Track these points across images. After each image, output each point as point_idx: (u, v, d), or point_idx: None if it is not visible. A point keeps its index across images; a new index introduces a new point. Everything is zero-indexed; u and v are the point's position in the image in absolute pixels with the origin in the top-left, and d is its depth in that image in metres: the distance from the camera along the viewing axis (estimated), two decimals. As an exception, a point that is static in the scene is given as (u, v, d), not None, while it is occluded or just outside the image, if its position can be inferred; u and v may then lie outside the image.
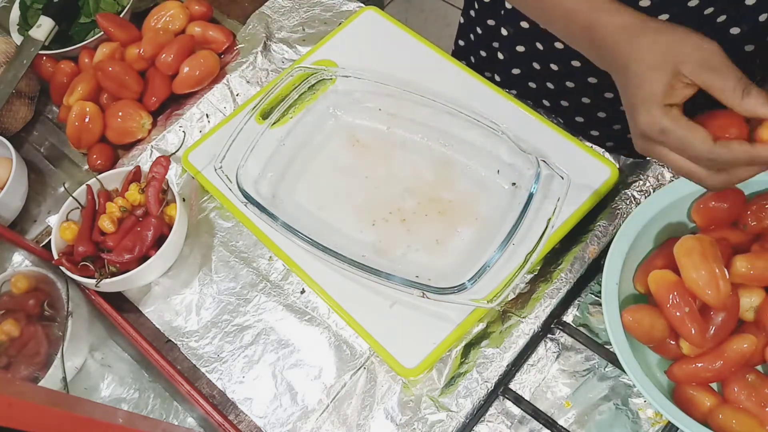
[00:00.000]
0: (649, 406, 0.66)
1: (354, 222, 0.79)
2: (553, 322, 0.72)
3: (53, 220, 0.80)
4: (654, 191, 0.74)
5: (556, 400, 0.68)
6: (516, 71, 0.92)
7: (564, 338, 0.71)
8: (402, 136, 0.84)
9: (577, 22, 0.61)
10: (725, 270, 0.61)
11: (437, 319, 0.71)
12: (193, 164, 0.85)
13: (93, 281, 0.75)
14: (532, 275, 0.74)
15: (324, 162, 0.84)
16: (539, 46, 0.86)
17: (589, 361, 0.69)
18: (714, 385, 0.64)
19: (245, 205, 0.76)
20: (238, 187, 0.77)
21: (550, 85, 0.90)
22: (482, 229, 0.77)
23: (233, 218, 0.82)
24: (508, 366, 0.69)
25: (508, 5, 0.85)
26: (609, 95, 0.87)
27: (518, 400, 0.68)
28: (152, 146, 0.89)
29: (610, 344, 0.63)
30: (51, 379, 0.72)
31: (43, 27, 0.96)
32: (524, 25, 0.85)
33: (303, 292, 0.77)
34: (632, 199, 0.75)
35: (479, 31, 0.95)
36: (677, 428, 0.62)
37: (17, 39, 0.99)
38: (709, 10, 0.73)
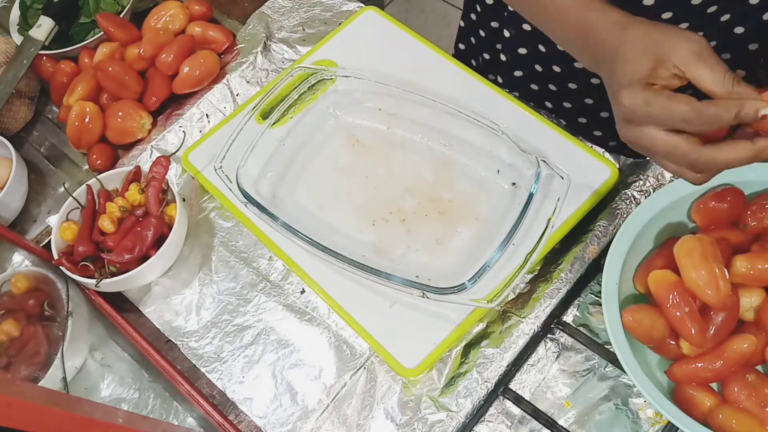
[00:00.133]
0: (649, 406, 0.66)
1: (354, 222, 0.79)
2: (553, 322, 0.72)
3: (53, 220, 0.80)
4: (654, 191, 0.74)
5: (556, 400, 0.68)
6: (518, 73, 0.92)
7: (564, 338, 0.71)
8: (402, 136, 0.84)
9: (571, 21, 0.62)
10: (725, 270, 0.61)
11: (437, 319, 0.71)
12: (193, 164, 0.85)
13: (93, 281, 0.75)
14: (532, 275, 0.74)
15: (324, 162, 0.84)
16: (542, 48, 0.86)
17: (589, 361, 0.70)
18: (714, 385, 0.64)
19: (245, 205, 0.76)
20: (238, 187, 0.77)
21: (552, 87, 0.90)
22: (482, 229, 0.77)
23: (233, 218, 0.82)
24: (508, 366, 0.69)
25: (510, 8, 0.85)
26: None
27: (518, 400, 0.68)
28: (152, 146, 0.89)
29: (610, 344, 0.63)
30: (51, 379, 0.72)
31: (43, 27, 0.96)
32: (526, 27, 0.85)
33: (303, 292, 0.77)
34: (632, 199, 0.75)
35: (482, 33, 0.95)
36: (677, 428, 0.62)
37: (17, 39, 0.99)
38: (712, 9, 0.73)
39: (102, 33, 0.96)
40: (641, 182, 0.76)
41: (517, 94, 0.89)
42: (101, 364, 0.80)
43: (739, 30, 0.76)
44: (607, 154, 0.79)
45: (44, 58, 0.97)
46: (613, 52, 0.57)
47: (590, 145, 0.79)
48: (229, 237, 0.82)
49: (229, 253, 0.81)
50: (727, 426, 0.59)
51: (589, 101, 0.90)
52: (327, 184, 0.82)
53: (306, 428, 0.70)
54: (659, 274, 0.63)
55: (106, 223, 0.78)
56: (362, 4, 0.97)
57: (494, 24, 0.91)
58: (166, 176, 0.81)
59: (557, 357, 0.70)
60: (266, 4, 1.00)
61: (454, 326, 0.70)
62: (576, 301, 0.73)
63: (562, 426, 0.66)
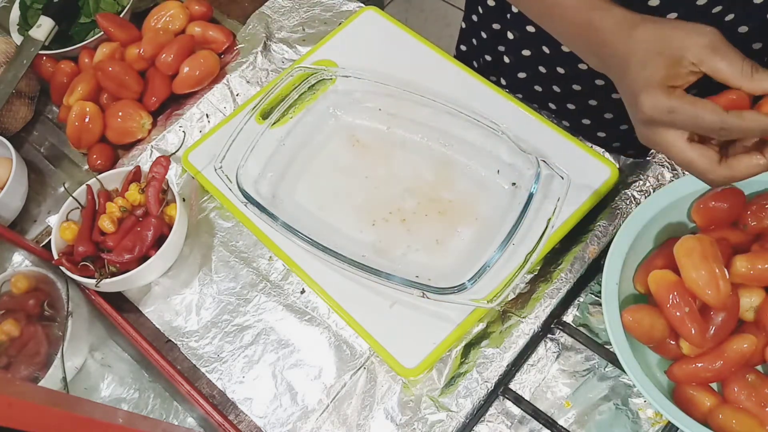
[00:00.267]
0: (649, 406, 0.66)
1: (354, 222, 0.79)
2: (553, 322, 0.72)
3: (53, 220, 0.80)
4: (654, 191, 0.74)
5: (556, 400, 0.68)
6: (522, 75, 0.92)
7: (564, 338, 0.71)
8: (402, 136, 0.84)
9: (576, 21, 0.61)
10: (725, 270, 0.61)
11: (437, 319, 0.71)
12: (193, 164, 0.85)
13: (93, 281, 0.75)
14: (532, 275, 0.74)
15: (324, 162, 0.84)
16: (545, 49, 0.86)
17: (589, 361, 0.69)
18: (714, 385, 0.64)
19: (245, 205, 0.76)
20: (238, 187, 0.77)
21: (556, 89, 0.90)
22: (482, 229, 0.77)
23: (233, 218, 0.82)
24: (508, 366, 0.69)
25: (514, 9, 0.85)
26: (616, 96, 0.87)
27: (518, 400, 0.68)
28: (152, 146, 0.89)
29: (610, 344, 0.63)
30: (51, 379, 0.72)
31: (43, 27, 0.96)
32: (530, 29, 0.85)
33: (303, 292, 0.77)
34: (632, 199, 0.75)
35: (484, 35, 0.95)
36: (677, 428, 0.62)
37: (17, 39, 0.99)
38: (717, 9, 0.73)
39: (102, 33, 0.96)
40: (641, 182, 0.76)
41: (520, 95, 0.88)
42: (101, 364, 0.80)
43: (743, 29, 0.76)
44: (607, 154, 0.79)
45: (44, 58, 0.97)
46: (623, 54, 0.57)
47: (590, 145, 0.79)
48: (229, 237, 0.82)
49: (229, 253, 0.81)
50: (727, 426, 0.59)
51: (593, 102, 0.90)
52: (327, 184, 0.82)
53: (306, 428, 0.70)
54: (659, 274, 0.63)
55: (106, 223, 0.78)
56: (362, 4, 0.97)
57: (496, 26, 0.91)
58: (166, 176, 0.81)
59: (557, 357, 0.70)
60: (266, 4, 1.00)
61: (454, 326, 0.70)
62: (576, 301, 0.73)
63: (562, 426, 0.66)
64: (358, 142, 0.85)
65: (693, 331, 0.60)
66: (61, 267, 0.76)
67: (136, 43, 0.94)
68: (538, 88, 0.92)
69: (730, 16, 0.75)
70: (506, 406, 0.69)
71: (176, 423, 0.75)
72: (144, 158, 0.89)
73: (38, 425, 0.40)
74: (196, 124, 0.91)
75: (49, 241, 0.79)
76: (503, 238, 0.69)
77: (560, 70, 0.87)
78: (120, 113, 0.90)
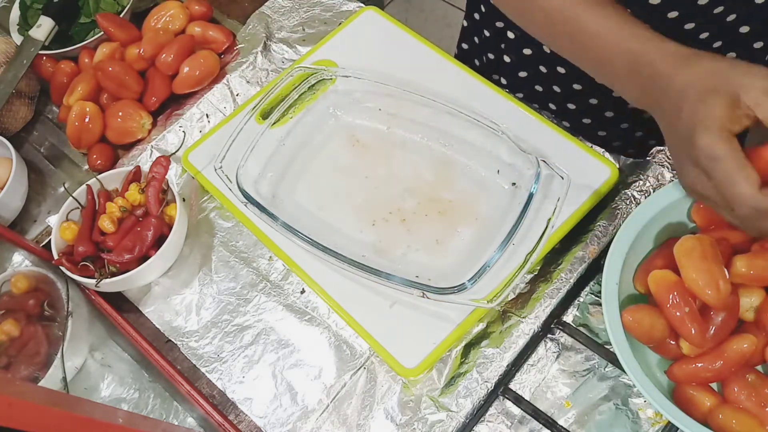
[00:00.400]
0: (649, 406, 0.66)
1: (354, 222, 0.79)
2: (553, 322, 0.72)
3: (53, 220, 0.80)
4: (654, 191, 0.74)
5: (556, 400, 0.68)
6: (523, 74, 0.92)
7: (564, 338, 0.71)
8: (402, 136, 0.84)
9: (618, 53, 0.59)
10: (725, 270, 0.61)
11: (437, 319, 0.71)
12: (193, 164, 0.85)
13: (93, 281, 0.75)
14: (532, 275, 0.74)
15: (324, 162, 0.84)
16: (546, 49, 0.86)
17: (589, 361, 0.69)
18: (714, 385, 0.64)
19: (245, 205, 0.76)
20: (238, 187, 0.77)
21: (556, 88, 0.90)
22: (482, 229, 0.77)
23: (233, 218, 0.82)
24: (508, 366, 0.69)
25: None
26: (617, 94, 0.87)
27: (518, 400, 0.68)
28: (152, 146, 0.89)
29: (610, 344, 0.63)
30: (51, 379, 0.72)
31: (43, 27, 0.96)
32: None
33: (303, 292, 0.77)
34: (632, 199, 0.75)
35: (486, 33, 0.95)
36: (677, 428, 0.62)
37: (17, 39, 0.99)
38: (719, 9, 0.73)
39: (102, 33, 0.96)
40: (641, 182, 0.76)
41: (521, 95, 0.88)
42: (101, 364, 0.80)
43: (744, 29, 0.76)
44: (607, 154, 0.79)
45: (44, 58, 0.97)
46: (679, 88, 0.54)
47: (590, 145, 0.79)
48: (229, 237, 0.82)
49: (229, 253, 0.81)
50: (727, 426, 0.59)
51: (593, 101, 0.90)
52: (327, 184, 0.82)
53: (306, 428, 0.70)
54: (659, 274, 0.63)
55: (106, 223, 0.78)
56: (362, 4, 0.97)
57: (499, 24, 0.91)
58: (166, 176, 0.81)
59: (557, 357, 0.70)
60: (266, 4, 1.00)
61: (454, 326, 0.70)
62: (576, 301, 0.73)
63: (562, 426, 0.66)
64: (358, 142, 0.85)
65: (693, 331, 0.60)
66: (61, 267, 0.76)
67: (136, 43, 0.94)
68: (538, 87, 0.92)
69: (732, 17, 0.75)
70: (506, 406, 0.69)
71: (176, 423, 0.75)
72: (144, 158, 0.89)
73: (38, 425, 0.40)
74: (196, 124, 0.91)
75: (49, 241, 0.78)
76: (503, 238, 0.69)
77: (561, 70, 0.87)
78: (120, 113, 0.90)
